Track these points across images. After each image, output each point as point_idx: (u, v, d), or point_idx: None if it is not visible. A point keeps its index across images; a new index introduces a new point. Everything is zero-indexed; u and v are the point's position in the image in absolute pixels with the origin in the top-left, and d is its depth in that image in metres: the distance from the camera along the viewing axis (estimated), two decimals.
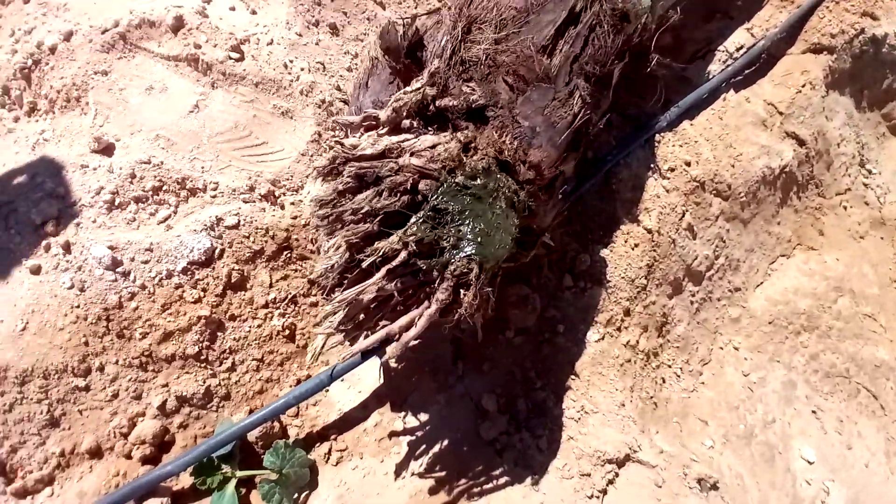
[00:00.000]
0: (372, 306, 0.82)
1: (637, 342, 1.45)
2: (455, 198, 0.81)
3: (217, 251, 1.20)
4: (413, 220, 0.78)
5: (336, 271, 0.80)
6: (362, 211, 0.79)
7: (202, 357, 1.16)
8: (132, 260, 1.14)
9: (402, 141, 0.84)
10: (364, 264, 0.79)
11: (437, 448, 1.19)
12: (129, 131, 1.27)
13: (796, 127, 1.85)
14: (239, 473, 1.07)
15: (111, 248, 1.13)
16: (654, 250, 1.50)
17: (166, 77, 1.32)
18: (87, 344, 1.09)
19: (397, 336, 0.83)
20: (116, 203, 1.18)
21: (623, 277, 1.42)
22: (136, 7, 1.38)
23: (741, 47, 1.88)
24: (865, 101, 2.16)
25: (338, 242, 0.79)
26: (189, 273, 1.17)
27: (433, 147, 0.83)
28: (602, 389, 1.30)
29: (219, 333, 1.18)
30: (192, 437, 1.15)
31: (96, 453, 1.08)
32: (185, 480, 1.11)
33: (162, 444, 1.12)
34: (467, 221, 0.80)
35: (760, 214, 1.80)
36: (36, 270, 1.10)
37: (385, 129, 0.88)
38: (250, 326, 1.20)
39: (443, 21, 0.96)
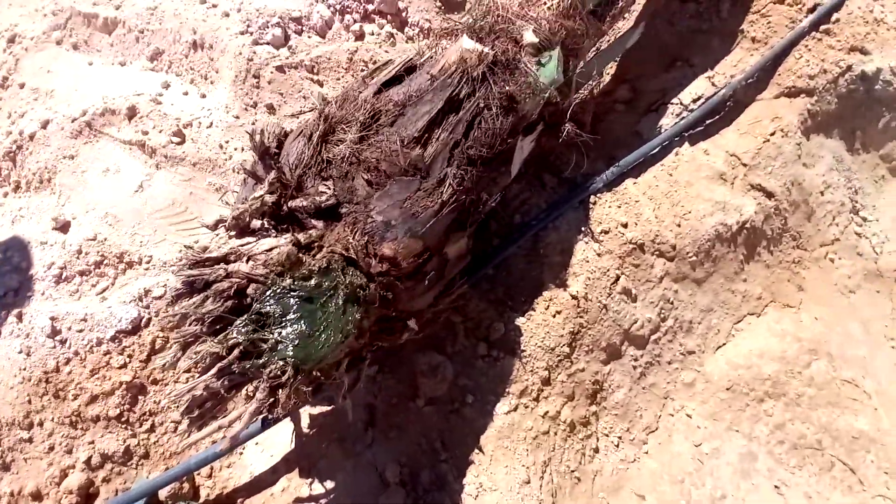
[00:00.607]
0: (214, 398, 0.89)
1: (559, 412, 1.42)
2: (281, 301, 0.86)
3: (143, 320, 1.32)
4: (236, 324, 0.84)
5: (170, 368, 0.88)
6: (189, 317, 0.86)
7: (123, 418, 1.28)
8: (69, 329, 1.29)
9: (243, 244, 0.91)
10: (182, 365, 0.86)
11: None
12: (85, 209, 1.44)
13: (763, 178, 1.74)
14: None
15: (52, 318, 1.28)
16: (581, 316, 1.46)
17: (121, 159, 1.49)
18: (30, 402, 1.24)
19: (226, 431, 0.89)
20: (63, 276, 1.35)
21: (540, 346, 1.40)
22: (108, 93, 1.56)
23: (699, 98, 1.81)
24: (859, 142, 1.99)
25: (171, 341, 0.87)
26: (117, 340, 1.30)
27: (270, 250, 0.90)
28: (505, 465, 1.28)
29: (140, 397, 1.30)
30: (114, 490, 1.26)
31: (37, 497, 1.23)
32: None
33: (88, 495, 1.25)
34: (291, 323, 0.85)
35: (719, 272, 1.70)
36: None
37: (233, 232, 0.95)
38: (171, 390, 1.31)
39: (306, 127, 1.03)
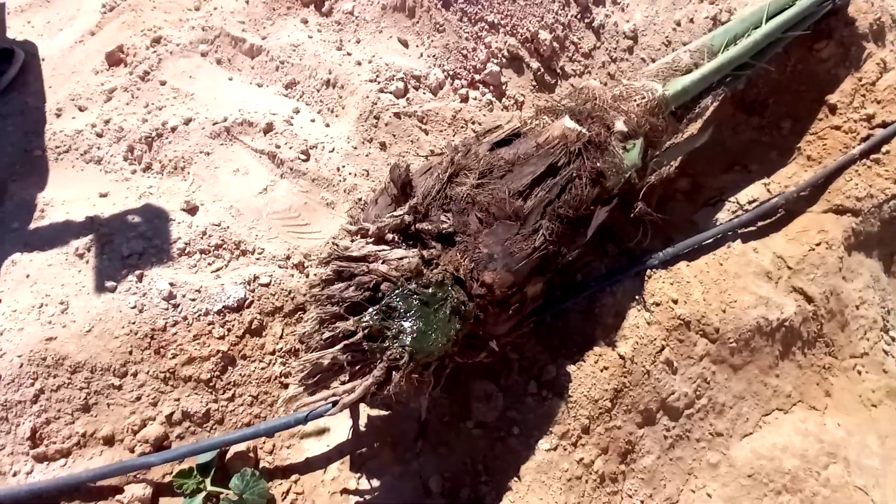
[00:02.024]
0: (331, 370, 1.05)
1: (592, 462, 1.51)
2: (406, 300, 1.03)
3: (247, 301, 1.50)
4: (369, 311, 1.01)
5: (307, 337, 1.04)
6: (333, 298, 1.03)
7: (210, 383, 1.42)
8: (184, 296, 1.47)
9: (380, 250, 1.09)
10: (324, 336, 1.02)
11: None
12: (213, 199, 1.65)
13: (805, 283, 1.89)
14: (209, 487, 1.29)
15: (171, 284, 1.46)
16: (625, 376, 1.59)
17: (250, 164, 1.72)
18: (130, 353, 1.40)
19: (341, 398, 1.04)
20: (186, 251, 1.54)
21: (585, 395, 1.52)
22: (244, 107, 1.82)
23: (754, 200, 2.00)
24: None
25: (312, 315, 1.04)
26: (222, 314, 1.47)
27: (401, 259, 1.07)
28: (540, 498, 1.37)
29: (229, 368, 1.45)
30: None
31: (109, 441, 1.35)
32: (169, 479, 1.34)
33: (160, 447, 1.37)
34: (411, 320, 1.01)
35: (755, 363, 1.81)
36: (112, 289, 1.46)
37: (372, 239, 1.14)
38: (255, 367, 1.46)
39: (435, 167, 1.24)
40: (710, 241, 1.88)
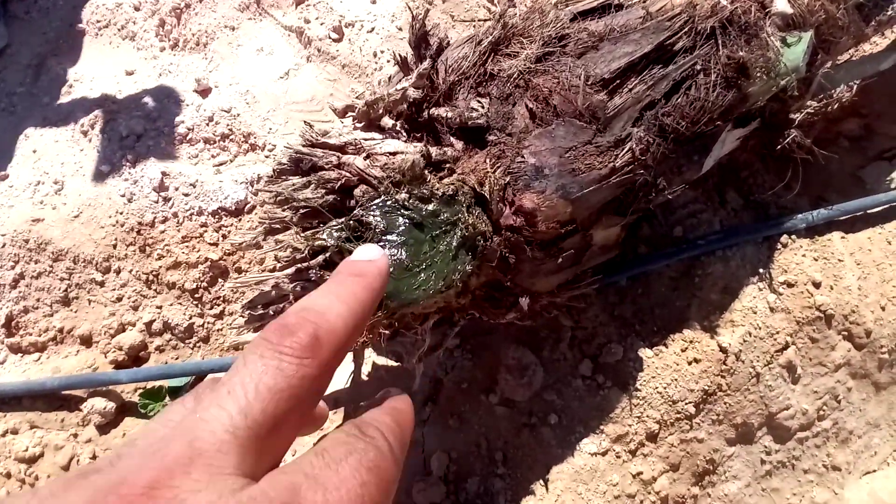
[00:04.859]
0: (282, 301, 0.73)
1: (654, 479, 1.10)
2: (388, 215, 0.66)
3: (248, 206, 1.23)
4: (330, 224, 0.66)
5: (246, 249, 0.74)
6: (281, 198, 0.70)
7: (196, 295, 1.19)
8: (176, 189, 1.23)
9: (367, 139, 0.73)
10: (260, 253, 0.71)
11: None
12: (229, 81, 1.37)
13: None
14: None
15: (163, 173, 1.22)
16: (723, 376, 1.13)
17: (277, 43, 1.40)
18: (115, 247, 1.20)
19: None
20: (188, 138, 1.28)
21: (660, 392, 1.09)
22: None
23: None
24: None
25: (254, 222, 0.72)
26: (217, 216, 1.22)
27: (392, 154, 0.70)
28: None
29: (220, 280, 1.21)
30: (164, 362, 1.19)
31: (86, 341, 1.18)
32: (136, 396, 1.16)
33: (136, 357, 1.19)
34: (391, 246, 0.65)
35: None
36: (107, 172, 1.26)
37: (361, 124, 0.78)
38: (238, 277, 1.21)
39: (474, 35, 0.81)
40: (880, 208, 1.29)
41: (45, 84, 1.55)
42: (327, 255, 0.64)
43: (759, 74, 0.91)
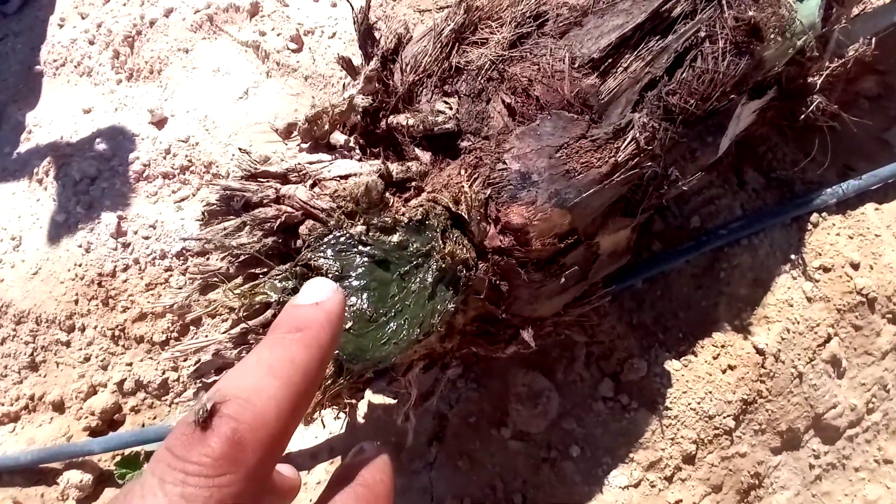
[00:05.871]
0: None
1: None
2: (342, 254, 0.54)
3: None
4: (271, 275, 0.54)
5: (177, 312, 0.61)
6: (214, 244, 0.57)
7: (167, 347, 1.08)
8: (135, 233, 1.11)
9: (314, 162, 0.60)
10: (189, 317, 0.59)
11: None
12: (186, 108, 1.25)
13: None
14: None
15: (120, 217, 1.11)
16: (763, 381, 0.98)
17: (234, 62, 1.28)
18: (76, 303, 1.09)
19: None
20: (145, 175, 1.17)
21: (694, 409, 0.95)
22: None
23: None
24: None
25: (185, 279, 0.60)
26: (182, 258, 1.10)
27: (345, 177, 0.58)
28: None
29: (192, 327, 1.09)
30: (141, 423, 1.08)
31: (59, 407, 1.07)
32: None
33: (112, 421, 1.07)
34: (350, 294, 0.53)
35: None
36: (62, 222, 1.14)
37: (307, 144, 0.65)
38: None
39: (434, 26, 0.68)
40: None
41: (7, 133, 1.46)
42: (273, 311, 0.52)
43: (773, 36, 0.77)
